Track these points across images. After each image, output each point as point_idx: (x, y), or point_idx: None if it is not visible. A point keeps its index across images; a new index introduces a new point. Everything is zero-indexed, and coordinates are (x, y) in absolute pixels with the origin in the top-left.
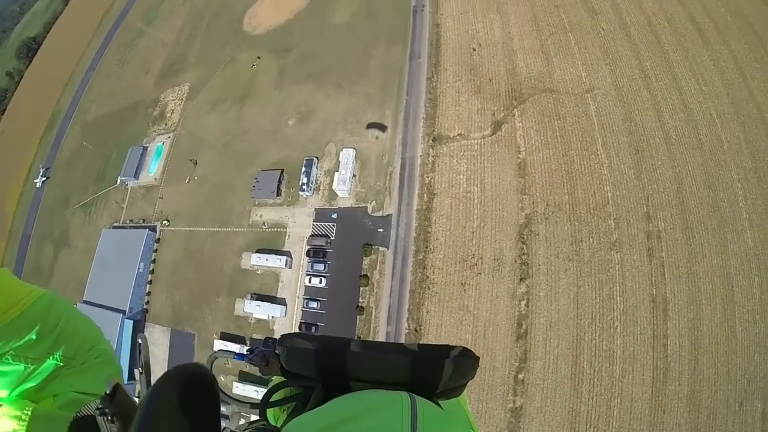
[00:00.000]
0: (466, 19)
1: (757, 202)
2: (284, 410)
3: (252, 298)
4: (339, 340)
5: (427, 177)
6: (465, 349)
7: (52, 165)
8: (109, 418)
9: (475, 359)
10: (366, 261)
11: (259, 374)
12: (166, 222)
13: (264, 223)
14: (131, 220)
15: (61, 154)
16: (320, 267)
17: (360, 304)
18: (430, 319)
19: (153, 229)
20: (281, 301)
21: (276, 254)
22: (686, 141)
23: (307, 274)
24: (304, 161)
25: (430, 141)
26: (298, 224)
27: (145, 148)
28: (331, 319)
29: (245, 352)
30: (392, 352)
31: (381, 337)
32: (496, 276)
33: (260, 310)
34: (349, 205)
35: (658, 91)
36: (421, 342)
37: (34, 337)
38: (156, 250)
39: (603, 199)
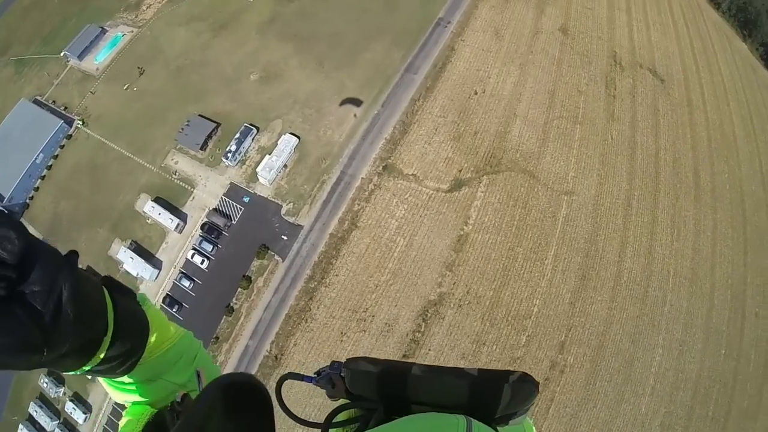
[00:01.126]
0: (484, 57)
1: (668, 374)
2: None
3: (130, 247)
4: (402, 364)
5: (358, 204)
6: (524, 374)
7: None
8: (176, 416)
9: (535, 385)
10: (256, 263)
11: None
12: (80, 123)
13: (175, 172)
14: (54, 102)
15: None
16: (208, 247)
17: (232, 305)
18: (294, 353)
19: (69, 123)
20: (157, 264)
21: (171, 212)
22: (634, 288)
23: (193, 248)
24: (243, 127)
25: (380, 167)
26: (207, 191)
27: (103, 32)
28: (197, 305)
29: (313, 375)
30: (452, 376)
31: (238, 348)
32: (380, 341)
33: (132, 264)
34: (266, 196)
35: (632, 226)
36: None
37: (181, 364)
38: (63, 146)
39: (527, 311)
